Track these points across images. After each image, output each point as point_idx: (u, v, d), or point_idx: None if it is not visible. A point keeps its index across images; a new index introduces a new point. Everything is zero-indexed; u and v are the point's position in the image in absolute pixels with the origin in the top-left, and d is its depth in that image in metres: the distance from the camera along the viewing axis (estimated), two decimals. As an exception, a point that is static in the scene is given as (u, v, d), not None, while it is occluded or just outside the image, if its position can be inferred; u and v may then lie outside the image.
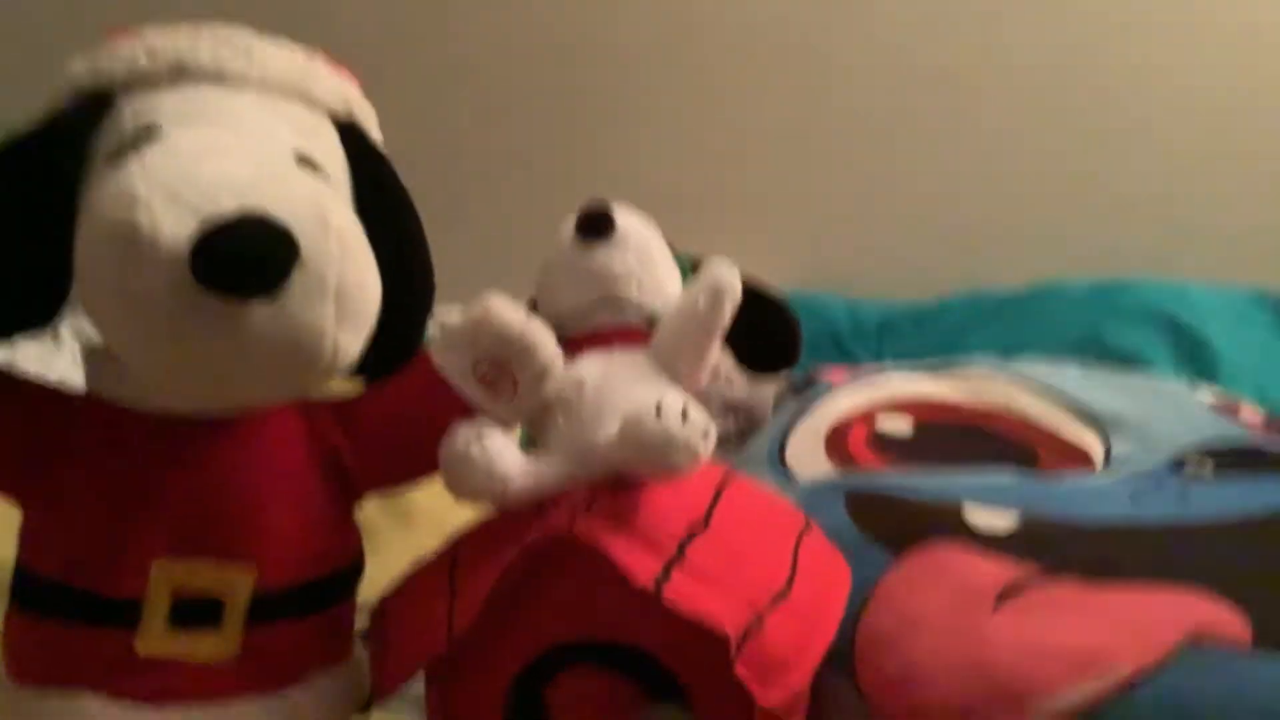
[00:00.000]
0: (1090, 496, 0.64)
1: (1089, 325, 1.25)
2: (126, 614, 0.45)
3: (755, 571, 0.45)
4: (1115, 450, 0.71)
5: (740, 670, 0.41)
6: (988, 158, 1.56)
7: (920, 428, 0.72)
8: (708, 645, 0.42)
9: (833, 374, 0.86)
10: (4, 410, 0.46)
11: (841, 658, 0.52)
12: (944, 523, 0.59)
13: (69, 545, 0.46)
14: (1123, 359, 1.15)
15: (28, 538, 0.47)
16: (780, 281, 1.41)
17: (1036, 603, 0.53)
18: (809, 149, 1.58)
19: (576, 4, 1.60)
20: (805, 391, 0.83)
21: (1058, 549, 0.57)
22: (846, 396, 0.77)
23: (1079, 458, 0.71)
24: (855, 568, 0.53)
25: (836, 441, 0.71)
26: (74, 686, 0.45)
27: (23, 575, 0.47)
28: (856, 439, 0.71)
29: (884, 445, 0.70)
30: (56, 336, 1.20)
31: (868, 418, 0.73)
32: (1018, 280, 1.42)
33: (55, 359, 1.14)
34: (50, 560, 0.46)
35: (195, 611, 0.45)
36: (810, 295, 1.44)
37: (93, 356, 0.48)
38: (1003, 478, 0.66)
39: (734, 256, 0.53)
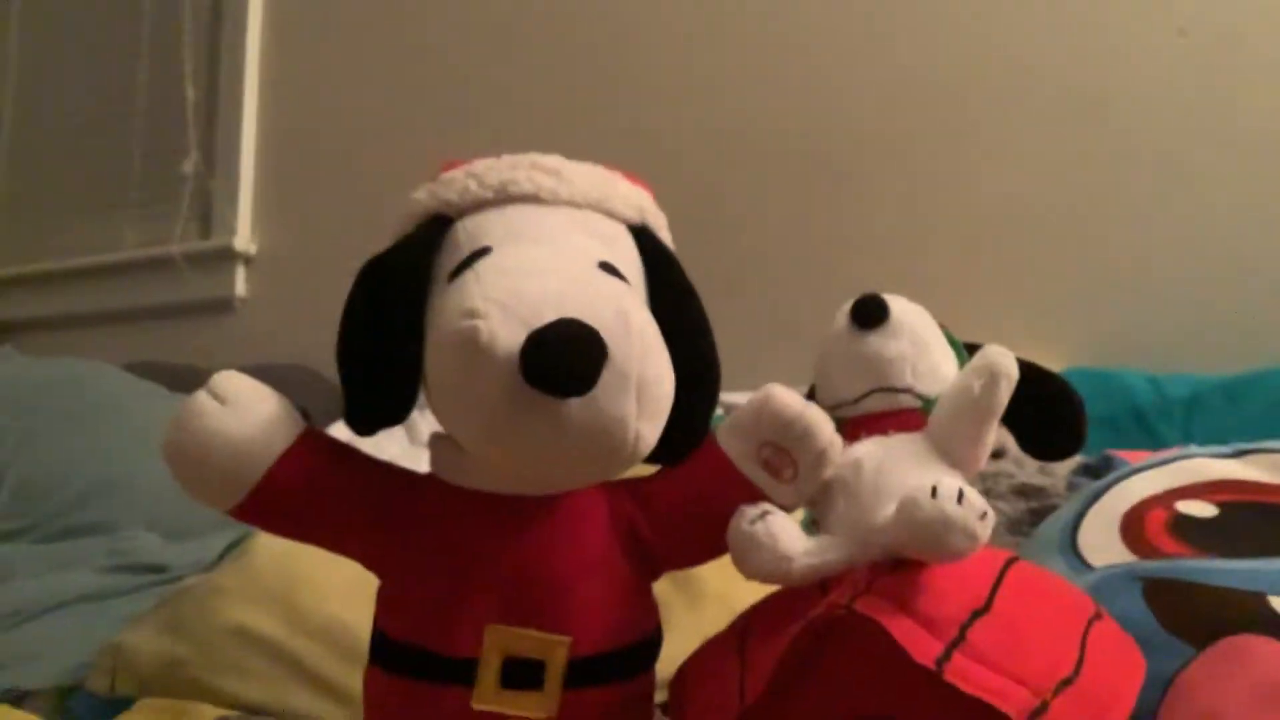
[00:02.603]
0: None
1: None
2: (463, 673, 0.50)
3: (1040, 656, 0.45)
4: None
5: (1026, 755, 0.41)
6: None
7: (1225, 509, 0.68)
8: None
9: (1130, 456, 0.83)
10: (363, 486, 0.52)
11: (1137, 752, 0.50)
12: (1249, 613, 0.55)
13: (414, 609, 0.51)
14: None
15: (382, 602, 0.54)
16: (1075, 358, 1.36)
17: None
18: (1089, 218, 1.52)
19: (837, 95, 1.65)
20: (1101, 474, 0.80)
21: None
22: (1144, 479, 0.73)
23: None
24: (1152, 659, 0.50)
25: (1133, 526, 0.68)
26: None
27: (378, 636, 0.53)
28: (1154, 524, 0.67)
29: (1184, 529, 0.66)
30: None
31: (1167, 502, 0.69)
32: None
33: (387, 444, 1.29)
34: (399, 623, 0.52)
35: (521, 673, 0.50)
36: (1109, 371, 1.36)
37: (437, 443, 0.54)
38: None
39: (1018, 336, 0.53)
